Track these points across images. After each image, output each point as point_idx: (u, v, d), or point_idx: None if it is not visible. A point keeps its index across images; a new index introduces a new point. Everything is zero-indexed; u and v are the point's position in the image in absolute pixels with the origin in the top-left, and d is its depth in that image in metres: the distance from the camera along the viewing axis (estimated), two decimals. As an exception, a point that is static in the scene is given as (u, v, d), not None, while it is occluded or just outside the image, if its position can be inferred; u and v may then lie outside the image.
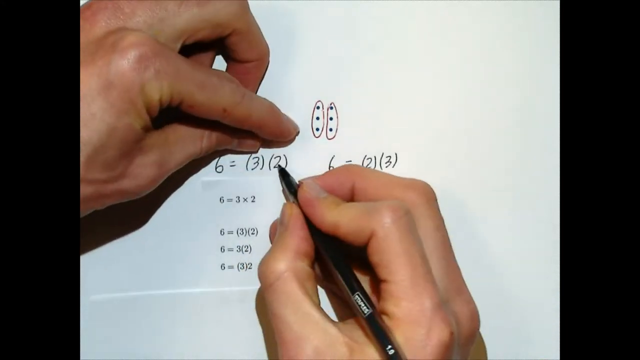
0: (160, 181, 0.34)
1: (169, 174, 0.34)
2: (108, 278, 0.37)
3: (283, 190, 0.37)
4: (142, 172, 0.32)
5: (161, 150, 0.33)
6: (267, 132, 0.36)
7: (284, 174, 0.36)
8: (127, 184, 0.32)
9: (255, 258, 0.37)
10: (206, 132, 0.35)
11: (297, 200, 0.33)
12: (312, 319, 0.29)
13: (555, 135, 0.36)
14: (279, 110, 0.36)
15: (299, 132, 0.37)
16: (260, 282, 0.31)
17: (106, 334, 0.37)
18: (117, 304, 0.37)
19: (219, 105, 0.32)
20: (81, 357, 0.35)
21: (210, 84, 0.32)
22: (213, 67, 0.37)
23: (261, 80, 0.37)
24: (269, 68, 0.37)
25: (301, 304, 0.30)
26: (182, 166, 0.34)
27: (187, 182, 0.37)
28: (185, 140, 0.34)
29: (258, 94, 0.37)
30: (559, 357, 0.28)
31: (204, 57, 0.36)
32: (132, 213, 0.37)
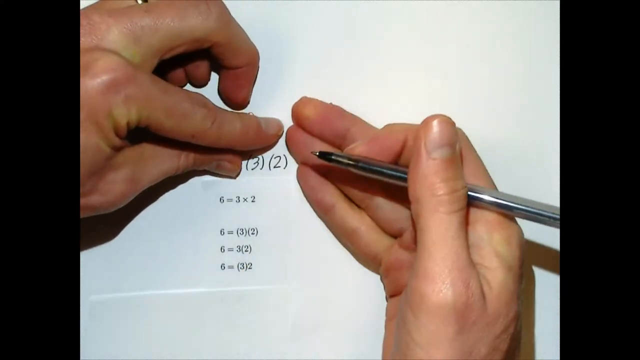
0: (133, 196, 0.33)
1: (142, 189, 0.34)
2: (108, 278, 0.37)
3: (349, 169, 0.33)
4: (113, 188, 0.32)
5: (134, 167, 0.32)
6: (241, 148, 0.36)
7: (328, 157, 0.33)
8: (96, 199, 0.31)
9: (255, 258, 0.37)
10: (184, 151, 0.34)
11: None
12: None
13: (555, 135, 0.36)
14: (257, 122, 0.36)
15: (282, 134, 0.37)
16: None
17: (106, 334, 0.37)
18: (117, 304, 0.37)
19: (186, 131, 0.32)
20: (81, 357, 0.35)
21: (180, 110, 0.31)
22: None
23: (254, 82, 0.37)
24: (268, 68, 0.37)
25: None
26: (157, 181, 0.34)
27: (187, 182, 0.37)
28: (161, 157, 0.34)
29: (257, 94, 0.37)
30: (559, 357, 0.28)
31: (199, 65, 0.36)
32: (132, 213, 0.37)
